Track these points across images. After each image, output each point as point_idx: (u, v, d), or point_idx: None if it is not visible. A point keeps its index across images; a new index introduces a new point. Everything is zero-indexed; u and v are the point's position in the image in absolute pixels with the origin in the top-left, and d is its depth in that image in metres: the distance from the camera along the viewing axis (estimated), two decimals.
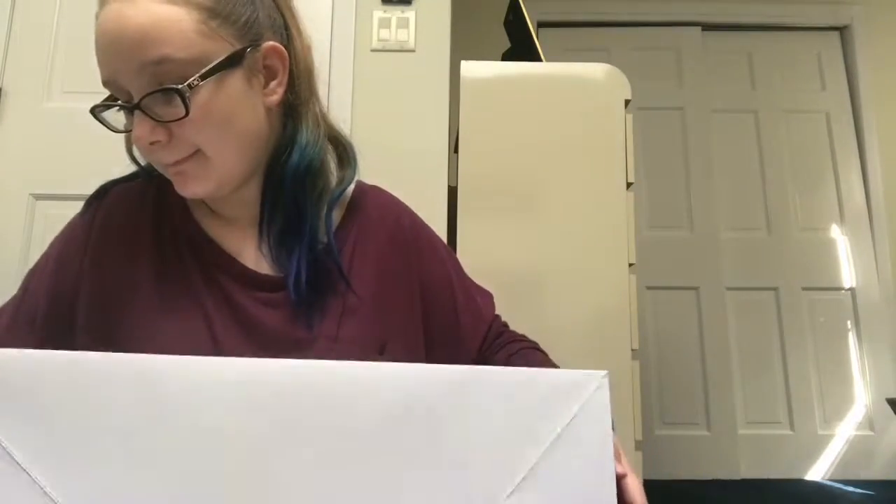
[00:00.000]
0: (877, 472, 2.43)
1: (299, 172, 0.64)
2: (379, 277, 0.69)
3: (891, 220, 2.64)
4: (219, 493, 0.35)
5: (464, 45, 1.75)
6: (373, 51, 1.58)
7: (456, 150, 1.33)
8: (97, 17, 0.56)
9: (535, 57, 1.42)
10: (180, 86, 0.54)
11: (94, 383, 0.36)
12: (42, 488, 0.33)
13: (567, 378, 0.41)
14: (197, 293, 0.63)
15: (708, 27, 2.80)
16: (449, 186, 1.49)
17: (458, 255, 1.28)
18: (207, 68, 0.56)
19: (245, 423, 0.36)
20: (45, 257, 0.68)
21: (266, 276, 0.65)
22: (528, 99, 1.34)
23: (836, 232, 2.67)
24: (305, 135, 0.65)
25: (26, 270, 0.67)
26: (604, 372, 0.41)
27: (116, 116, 0.61)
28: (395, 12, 1.59)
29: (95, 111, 0.60)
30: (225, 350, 0.60)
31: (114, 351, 0.39)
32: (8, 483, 0.33)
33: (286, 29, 0.65)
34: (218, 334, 0.61)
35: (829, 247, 2.65)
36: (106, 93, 0.60)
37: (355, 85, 1.56)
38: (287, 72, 0.64)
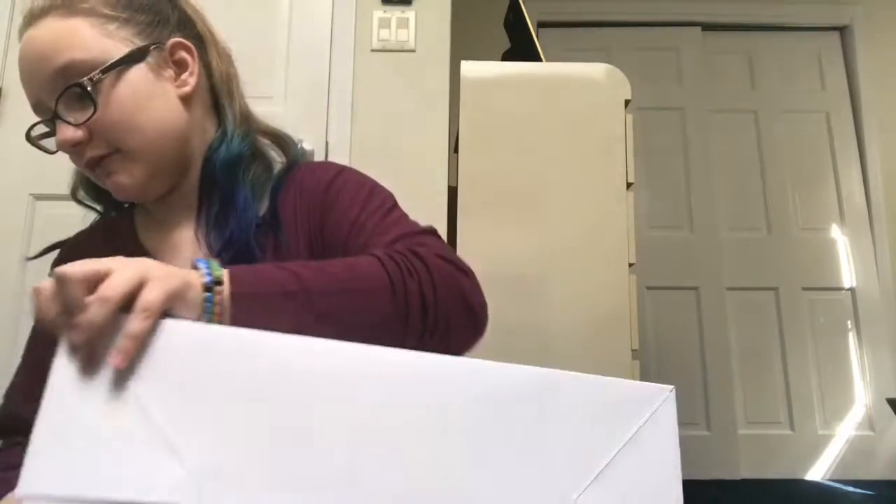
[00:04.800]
0: (877, 472, 2.43)
1: (229, 161, 0.68)
2: (310, 248, 0.67)
3: (891, 220, 2.64)
4: (309, 474, 0.39)
5: (464, 45, 1.75)
6: (373, 51, 1.58)
7: (456, 150, 1.33)
8: None
9: (535, 57, 1.42)
10: (83, 80, 0.60)
11: (220, 354, 0.41)
12: (168, 437, 0.38)
13: (638, 389, 0.45)
14: None
15: (708, 27, 2.80)
16: (449, 186, 1.49)
17: (459, 255, 1.28)
18: (107, 64, 0.62)
19: (335, 410, 0.40)
20: None
21: None
22: (528, 99, 1.34)
23: (836, 232, 2.67)
24: (230, 129, 0.70)
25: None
26: (671, 387, 0.46)
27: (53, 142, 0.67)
28: (395, 12, 1.59)
29: (31, 138, 0.66)
30: None
31: None
32: (140, 431, 0.38)
33: (200, 37, 0.71)
34: None
35: (829, 247, 2.65)
36: None
37: (355, 85, 1.56)
38: (197, 64, 0.69)
